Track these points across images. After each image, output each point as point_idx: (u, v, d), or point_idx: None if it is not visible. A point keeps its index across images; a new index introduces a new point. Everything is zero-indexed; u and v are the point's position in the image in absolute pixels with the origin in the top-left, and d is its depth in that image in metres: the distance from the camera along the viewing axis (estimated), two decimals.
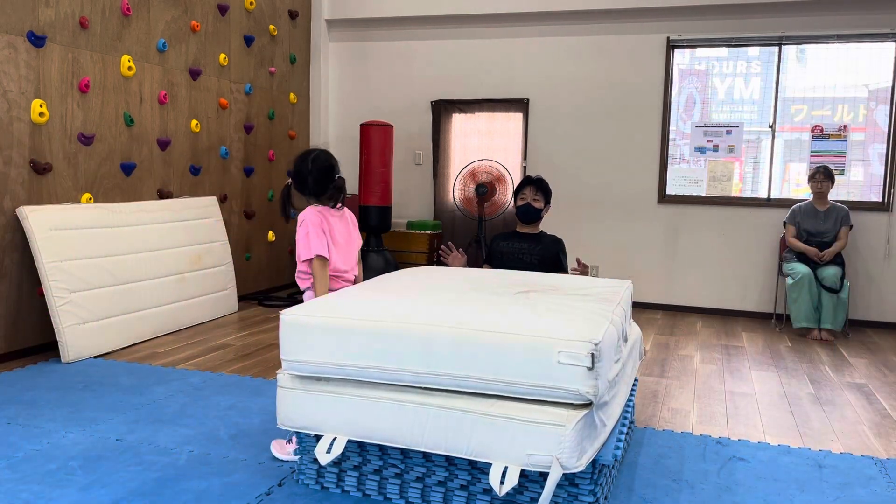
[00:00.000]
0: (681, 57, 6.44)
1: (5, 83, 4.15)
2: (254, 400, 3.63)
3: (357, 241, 3.17)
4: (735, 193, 6.37)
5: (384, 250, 6.43)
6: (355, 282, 3.12)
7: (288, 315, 2.51)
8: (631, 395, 3.09)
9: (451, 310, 2.46)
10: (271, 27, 6.57)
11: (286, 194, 3.11)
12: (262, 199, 6.60)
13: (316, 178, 2.99)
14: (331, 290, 2.99)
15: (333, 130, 7.46)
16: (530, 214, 3.95)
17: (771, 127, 6.22)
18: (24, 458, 2.85)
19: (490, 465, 2.27)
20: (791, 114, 6.23)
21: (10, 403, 3.47)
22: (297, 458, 2.93)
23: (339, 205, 3.08)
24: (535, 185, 3.98)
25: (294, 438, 2.96)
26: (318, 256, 2.93)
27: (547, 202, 4.00)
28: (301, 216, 2.99)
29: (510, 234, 4.07)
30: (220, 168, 6.03)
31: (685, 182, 6.50)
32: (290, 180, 3.09)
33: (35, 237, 4.14)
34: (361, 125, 6.41)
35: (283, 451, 2.97)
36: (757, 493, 2.73)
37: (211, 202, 5.70)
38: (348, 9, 7.10)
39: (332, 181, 3.01)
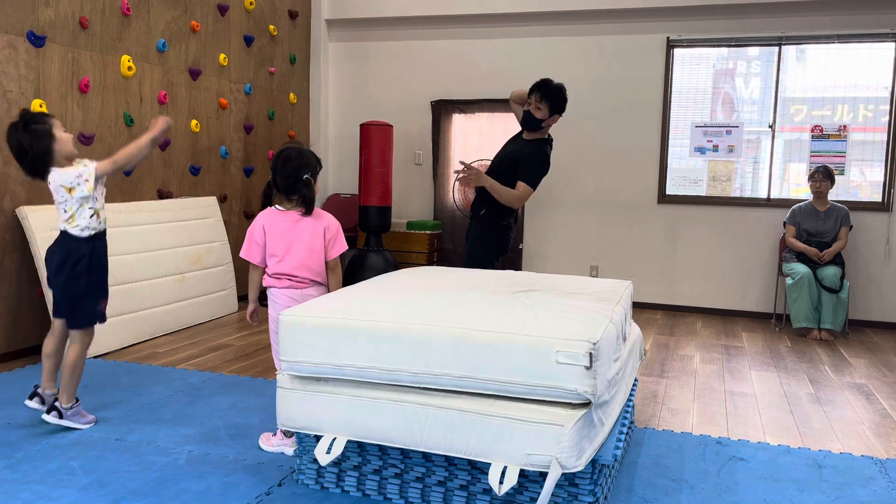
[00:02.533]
0: (681, 57, 6.43)
1: (5, 83, 4.15)
2: (254, 400, 3.64)
3: (318, 246, 2.99)
4: (735, 193, 6.36)
5: (384, 250, 6.43)
6: (327, 289, 3.05)
7: (287, 315, 2.51)
8: (631, 395, 3.09)
9: (449, 310, 2.47)
10: (271, 27, 6.57)
11: (268, 191, 3.07)
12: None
13: (282, 177, 2.94)
14: (272, 287, 2.99)
15: (333, 130, 7.46)
16: (527, 121, 3.93)
17: (771, 127, 6.22)
18: (24, 458, 2.85)
19: (489, 464, 2.27)
20: (791, 114, 6.22)
21: (10, 403, 3.47)
22: (279, 449, 2.96)
23: (299, 208, 2.98)
24: (540, 93, 3.86)
25: (279, 431, 2.97)
26: (248, 260, 3.00)
27: (553, 111, 3.85)
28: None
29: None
30: (220, 168, 6.03)
31: (685, 182, 6.50)
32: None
33: (35, 237, 4.14)
34: (361, 125, 6.41)
35: (269, 443, 3.00)
36: (757, 493, 2.73)
37: (211, 202, 5.70)
38: (348, 9, 7.10)
39: (298, 181, 2.93)
